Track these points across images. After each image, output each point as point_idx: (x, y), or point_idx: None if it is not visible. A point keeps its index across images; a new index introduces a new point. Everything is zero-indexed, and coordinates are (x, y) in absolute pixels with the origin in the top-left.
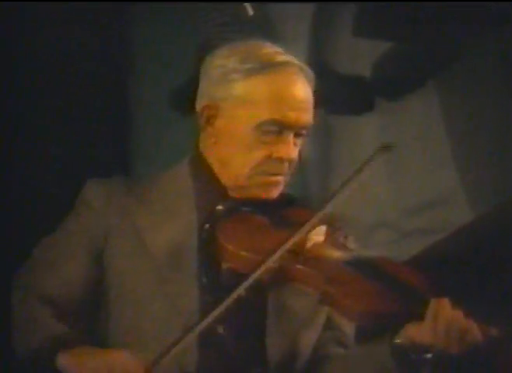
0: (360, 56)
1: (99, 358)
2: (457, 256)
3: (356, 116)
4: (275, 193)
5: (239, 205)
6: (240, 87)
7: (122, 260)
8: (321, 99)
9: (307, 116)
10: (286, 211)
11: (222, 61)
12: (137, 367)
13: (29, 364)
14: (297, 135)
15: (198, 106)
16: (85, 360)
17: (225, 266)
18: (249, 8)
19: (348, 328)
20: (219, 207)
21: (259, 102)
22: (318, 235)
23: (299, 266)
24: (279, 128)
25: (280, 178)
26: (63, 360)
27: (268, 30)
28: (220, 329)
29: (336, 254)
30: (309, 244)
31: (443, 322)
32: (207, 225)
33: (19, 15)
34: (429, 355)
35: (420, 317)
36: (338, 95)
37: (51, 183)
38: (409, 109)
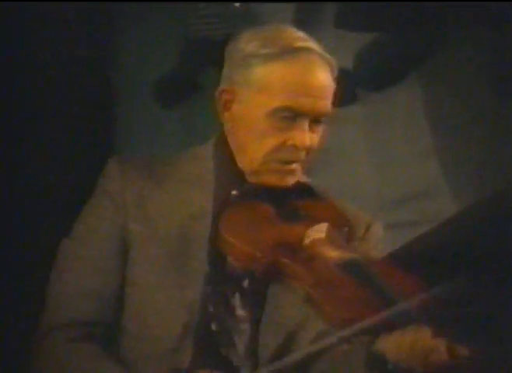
0: (343, 48)
1: None
2: (441, 249)
3: (340, 108)
4: (289, 180)
5: (253, 191)
6: (258, 72)
7: (136, 247)
8: None
9: (324, 104)
10: (298, 202)
11: (243, 45)
12: None
13: None
14: (315, 122)
15: (218, 90)
16: None
17: (230, 258)
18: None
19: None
20: (234, 193)
21: (274, 88)
22: (318, 231)
23: (290, 263)
24: (294, 115)
25: (295, 166)
26: None
27: (252, 22)
28: (214, 326)
29: (332, 254)
30: (307, 240)
31: (408, 338)
32: (220, 212)
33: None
34: (389, 366)
35: (391, 331)
36: None
37: (37, 175)
38: (392, 101)
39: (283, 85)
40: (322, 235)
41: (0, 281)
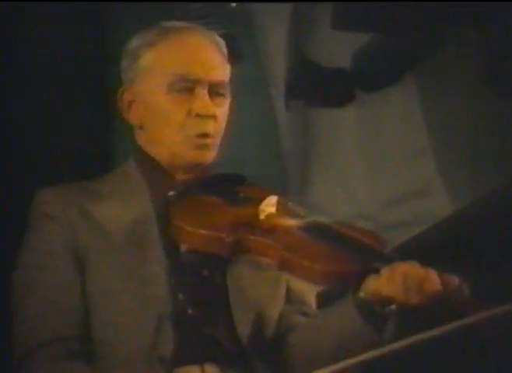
0: (339, 48)
1: None
2: (436, 248)
3: (335, 108)
4: (208, 156)
5: (189, 187)
6: (146, 59)
7: (92, 257)
8: (301, 90)
9: (217, 73)
10: (237, 189)
11: (129, 46)
12: None
13: None
14: (213, 93)
15: (118, 93)
16: None
17: (184, 248)
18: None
19: (309, 298)
20: (171, 193)
21: (163, 65)
22: (270, 205)
23: (254, 238)
24: (189, 85)
25: (209, 140)
26: None
27: (247, 22)
28: (190, 310)
29: (290, 222)
30: (262, 215)
31: (399, 271)
32: (163, 212)
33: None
34: (392, 307)
35: (378, 271)
36: (318, 87)
37: (34, 177)
38: (388, 101)
39: (171, 60)
40: (274, 207)
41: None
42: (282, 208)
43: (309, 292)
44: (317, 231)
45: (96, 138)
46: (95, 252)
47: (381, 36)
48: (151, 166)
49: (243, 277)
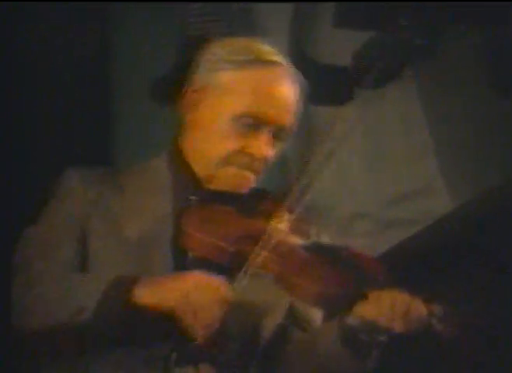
0: (340, 46)
1: (180, 279)
2: (436, 247)
3: (336, 106)
4: (244, 187)
5: (211, 196)
6: (227, 76)
7: (100, 246)
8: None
9: (286, 117)
10: (254, 201)
11: (216, 50)
12: (221, 282)
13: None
14: (275, 136)
15: (184, 91)
16: (167, 284)
17: (191, 254)
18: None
19: (311, 315)
20: (192, 198)
21: (241, 94)
22: (281, 222)
23: (256, 250)
24: (256, 123)
25: (249, 174)
26: (142, 293)
27: (249, 21)
28: None
29: (296, 240)
30: (271, 230)
31: (387, 297)
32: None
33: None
34: (381, 337)
35: (367, 296)
36: (319, 85)
37: (34, 175)
38: (389, 99)
39: (250, 92)
40: (285, 224)
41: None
42: (292, 226)
43: (314, 309)
44: (318, 252)
45: (97, 139)
46: (103, 239)
47: (382, 34)
48: (182, 168)
49: (248, 285)
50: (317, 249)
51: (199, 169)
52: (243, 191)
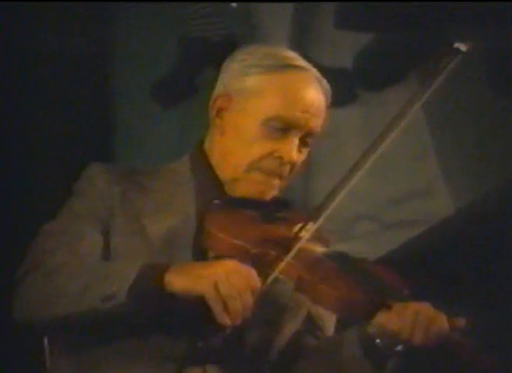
0: (342, 48)
1: (210, 266)
2: (438, 248)
3: (338, 107)
4: (268, 195)
5: (235, 202)
6: (256, 81)
7: (122, 241)
8: None
9: (315, 122)
10: (276, 209)
11: (244, 56)
12: (251, 271)
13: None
14: (303, 141)
15: (213, 96)
16: (197, 271)
17: (211, 255)
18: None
19: (326, 323)
20: (216, 202)
21: (270, 97)
22: (304, 230)
23: (278, 254)
24: (285, 127)
25: (276, 181)
26: (173, 279)
27: (250, 22)
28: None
29: (318, 248)
30: (293, 237)
31: (411, 309)
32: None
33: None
34: (398, 347)
35: (391, 307)
36: None
37: (36, 175)
38: (390, 100)
39: (279, 96)
40: (308, 232)
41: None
42: (314, 236)
43: (326, 318)
44: (340, 260)
45: (98, 138)
46: (125, 236)
47: (384, 35)
48: (206, 173)
49: (269, 291)
50: (338, 257)
51: (225, 173)
52: (266, 198)
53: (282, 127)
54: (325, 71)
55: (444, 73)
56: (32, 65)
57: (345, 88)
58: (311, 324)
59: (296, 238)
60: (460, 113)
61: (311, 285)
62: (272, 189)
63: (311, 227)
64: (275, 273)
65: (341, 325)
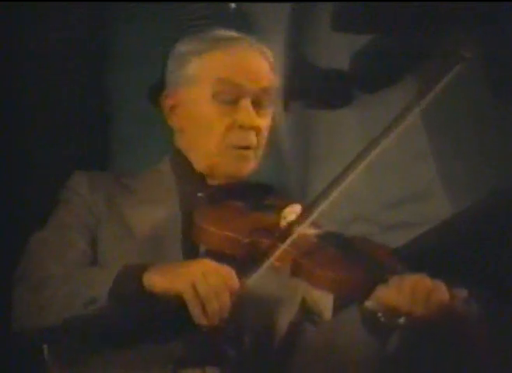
0: (339, 49)
1: (188, 266)
2: (437, 251)
3: (335, 109)
4: (246, 168)
5: (218, 192)
6: (195, 66)
7: (109, 246)
8: (301, 91)
9: (261, 84)
10: (262, 197)
11: (179, 48)
12: (229, 271)
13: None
14: (258, 104)
15: (161, 96)
16: (175, 270)
17: (202, 249)
18: (230, 1)
19: (323, 307)
20: (200, 195)
21: (211, 75)
22: (291, 213)
23: (270, 241)
24: (234, 96)
25: (249, 152)
26: (151, 279)
27: (246, 24)
28: None
29: (309, 230)
30: (283, 222)
31: (408, 282)
32: (188, 213)
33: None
34: (400, 320)
35: (387, 281)
36: (317, 89)
37: (33, 180)
38: (388, 102)
39: (219, 70)
40: (295, 215)
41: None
42: (303, 217)
43: (322, 302)
44: (332, 240)
45: (98, 145)
46: (112, 240)
47: (381, 37)
48: (185, 169)
49: (263, 279)
50: (330, 238)
51: (200, 164)
52: (246, 172)
53: (231, 98)
54: (322, 73)
55: (445, 80)
56: (27, 65)
57: (342, 90)
58: (307, 310)
59: (288, 223)
60: (458, 115)
61: (307, 269)
62: (248, 162)
63: (298, 209)
64: (270, 260)
65: (340, 306)
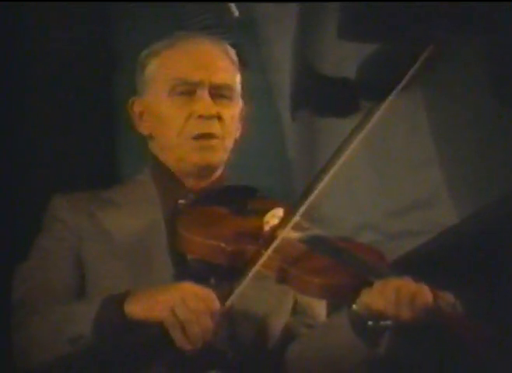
0: (345, 58)
1: (167, 291)
2: (443, 257)
3: (341, 117)
4: (213, 157)
5: (199, 198)
6: (150, 67)
7: (96, 263)
8: (307, 100)
9: (218, 75)
10: (246, 201)
11: (139, 58)
12: (208, 293)
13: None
14: (216, 96)
15: (128, 105)
16: (154, 297)
17: (190, 257)
18: (234, 9)
19: (315, 310)
20: (181, 202)
21: (166, 71)
22: (274, 217)
23: (255, 248)
24: (190, 88)
25: (215, 141)
26: (132, 308)
27: (252, 33)
28: None
29: (291, 234)
30: (266, 226)
31: (392, 285)
32: (171, 220)
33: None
34: (387, 322)
35: (371, 284)
36: (324, 97)
37: (40, 186)
38: (394, 111)
39: (173, 65)
40: (278, 219)
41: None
42: (286, 221)
43: (315, 304)
44: (316, 244)
45: (103, 147)
46: (99, 257)
47: (387, 45)
48: (163, 174)
49: (251, 287)
50: (316, 242)
51: (172, 163)
52: (212, 162)
53: (187, 89)
54: (328, 81)
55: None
56: (31, 65)
57: (348, 99)
58: (301, 314)
59: (271, 228)
60: (464, 122)
61: (293, 276)
62: (214, 151)
63: (281, 213)
64: (256, 268)
65: (332, 309)
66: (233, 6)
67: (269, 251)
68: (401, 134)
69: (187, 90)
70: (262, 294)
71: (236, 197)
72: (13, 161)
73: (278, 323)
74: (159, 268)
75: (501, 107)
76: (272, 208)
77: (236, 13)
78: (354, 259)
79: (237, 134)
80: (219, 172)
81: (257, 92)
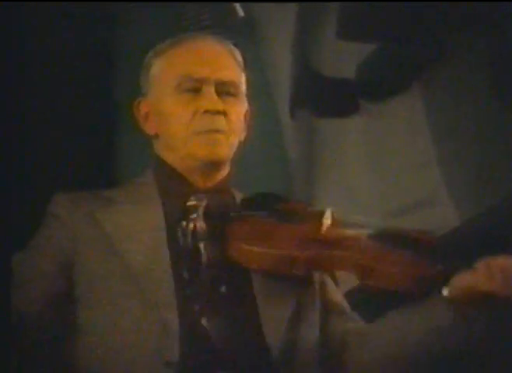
0: (345, 58)
1: None
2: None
3: (341, 118)
4: (220, 152)
5: (242, 210)
6: (156, 67)
7: (93, 267)
8: (307, 100)
9: (224, 73)
10: (276, 207)
11: (145, 59)
12: None
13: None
14: (222, 93)
15: (134, 105)
16: None
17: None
18: (239, 10)
19: (347, 306)
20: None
21: (172, 69)
22: (327, 218)
23: (328, 252)
24: (196, 85)
25: (220, 136)
26: None
27: (252, 33)
28: (204, 321)
29: (352, 232)
30: (324, 229)
31: (497, 267)
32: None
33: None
34: (485, 304)
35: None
36: (323, 97)
37: (35, 188)
38: (393, 110)
39: (178, 64)
40: (330, 220)
41: None
42: (337, 220)
43: (343, 300)
44: (384, 238)
45: (103, 147)
46: (96, 261)
47: (387, 45)
48: (168, 174)
49: (271, 288)
50: (382, 236)
51: (177, 160)
52: (218, 156)
53: (192, 86)
54: (328, 81)
55: None
56: (31, 65)
57: (348, 98)
58: (335, 311)
59: (330, 230)
60: (464, 122)
61: (375, 271)
62: (220, 146)
63: (331, 213)
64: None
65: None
66: (238, 6)
67: (342, 250)
68: (400, 134)
69: (193, 87)
70: (284, 293)
71: (265, 205)
72: (13, 161)
73: (308, 321)
74: (160, 270)
75: (501, 107)
76: (304, 210)
77: (242, 13)
78: (425, 246)
79: (242, 137)
80: (225, 171)
81: (256, 92)
